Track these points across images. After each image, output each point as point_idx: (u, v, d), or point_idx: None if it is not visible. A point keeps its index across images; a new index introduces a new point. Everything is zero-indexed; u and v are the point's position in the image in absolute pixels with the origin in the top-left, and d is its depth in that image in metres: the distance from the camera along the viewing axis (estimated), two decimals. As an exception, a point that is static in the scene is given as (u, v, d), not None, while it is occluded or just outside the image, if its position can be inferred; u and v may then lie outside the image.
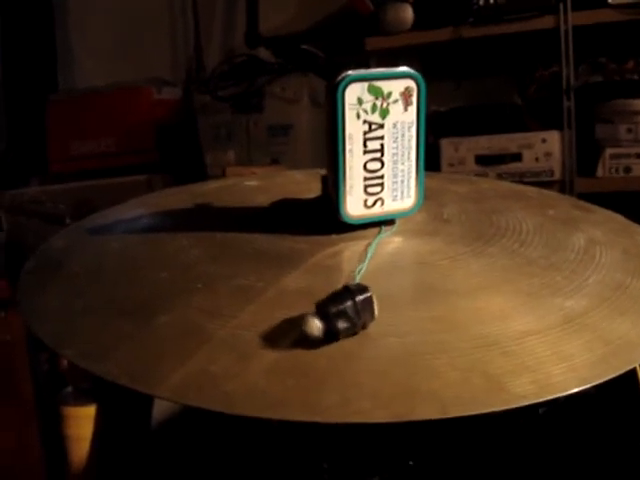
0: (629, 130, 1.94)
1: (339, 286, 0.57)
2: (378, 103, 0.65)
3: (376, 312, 0.55)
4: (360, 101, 0.65)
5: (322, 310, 0.54)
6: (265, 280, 0.62)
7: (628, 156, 1.96)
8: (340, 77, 0.64)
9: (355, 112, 0.65)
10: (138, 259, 0.70)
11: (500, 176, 2.05)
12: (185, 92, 2.81)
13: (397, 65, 0.67)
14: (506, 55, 2.26)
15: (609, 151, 1.97)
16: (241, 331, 0.56)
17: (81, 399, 1.43)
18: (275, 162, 2.37)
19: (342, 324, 0.54)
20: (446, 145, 2.12)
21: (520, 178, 2.03)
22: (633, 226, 0.80)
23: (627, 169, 1.96)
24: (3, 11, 2.98)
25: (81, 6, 3.16)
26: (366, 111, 0.65)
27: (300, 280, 0.62)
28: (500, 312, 0.58)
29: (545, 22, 2.01)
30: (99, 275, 0.68)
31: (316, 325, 0.53)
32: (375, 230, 0.69)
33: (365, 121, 0.65)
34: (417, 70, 0.66)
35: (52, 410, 1.47)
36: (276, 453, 0.90)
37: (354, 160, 0.66)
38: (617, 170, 1.96)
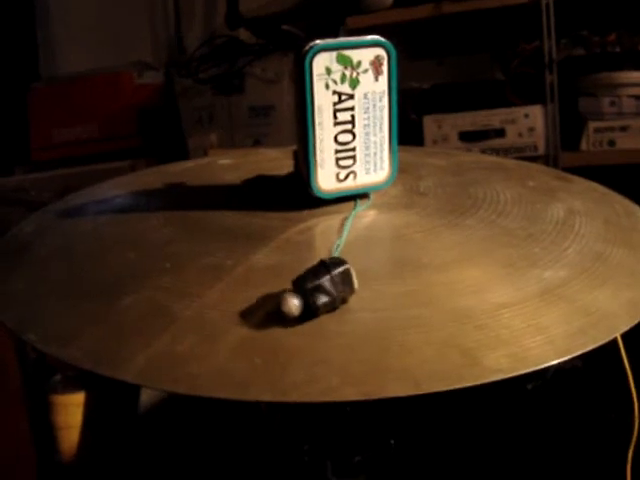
0: (612, 103, 1.93)
1: (311, 262, 0.55)
2: (347, 73, 0.64)
3: (355, 285, 0.54)
4: (329, 71, 0.63)
5: (299, 286, 0.52)
6: (234, 258, 0.60)
7: (612, 129, 1.94)
8: (307, 46, 0.62)
9: (324, 82, 0.63)
10: (107, 240, 0.68)
11: (484, 152, 2.03)
12: (166, 76, 2.78)
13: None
14: (487, 31, 2.24)
15: (593, 125, 1.95)
16: (208, 310, 0.54)
17: (69, 387, 1.42)
18: (257, 143, 2.35)
19: (321, 299, 0.52)
20: (429, 122, 2.10)
21: (504, 154, 2.02)
22: (614, 196, 0.78)
23: (611, 142, 1.94)
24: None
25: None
26: (335, 81, 0.63)
27: (270, 257, 0.60)
28: (476, 285, 0.57)
29: (526, -4, 1.99)
30: (66, 257, 0.66)
31: (294, 303, 0.51)
32: (347, 205, 0.67)
33: (335, 92, 0.64)
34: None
35: (41, 398, 1.46)
36: (258, 435, 0.88)
37: (324, 132, 0.65)
38: (601, 143, 1.95)
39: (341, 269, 0.53)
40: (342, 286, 0.53)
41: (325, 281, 0.53)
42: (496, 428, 0.98)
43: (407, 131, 2.18)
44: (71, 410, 1.42)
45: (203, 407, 1.00)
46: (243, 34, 2.43)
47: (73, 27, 3.09)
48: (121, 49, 2.91)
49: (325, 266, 0.54)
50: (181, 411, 1.09)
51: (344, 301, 0.54)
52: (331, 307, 0.53)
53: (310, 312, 0.52)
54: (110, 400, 1.06)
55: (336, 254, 0.59)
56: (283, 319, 0.52)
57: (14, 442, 1.54)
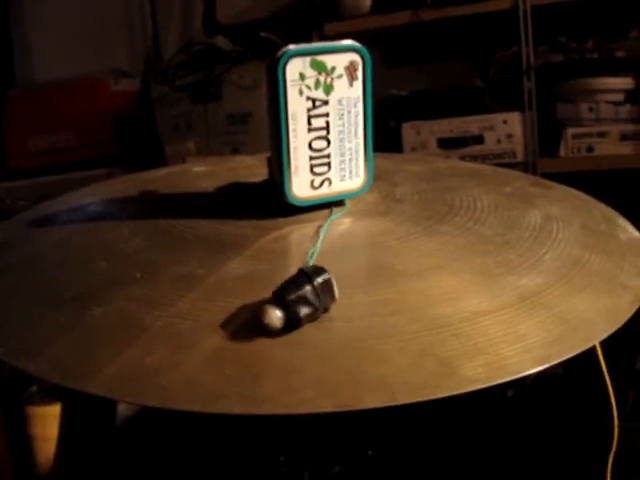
0: (590, 109, 1.93)
1: (285, 271, 0.54)
2: (322, 78, 0.63)
3: (336, 294, 0.53)
4: (302, 77, 0.62)
5: (280, 298, 0.51)
6: (207, 267, 0.59)
7: (590, 135, 1.94)
8: (280, 52, 0.61)
9: (297, 88, 0.62)
10: (77, 249, 0.67)
11: (463, 159, 2.03)
12: (143, 83, 2.77)
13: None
14: (466, 37, 2.25)
15: (571, 131, 1.95)
16: (179, 320, 0.53)
17: (46, 398, 1.41)
18: (236, 151, 2.34)
19: (303, 310, 0.51)
20: (408, 129, 2.10)
21: (483, 160, 2.02)
22: (592, 202, 0.78)
23: (589, 148, 1.94)
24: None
25: (36, -1, 3.11)
26: (309, 87, 0.63)
27: (243, 266, 0.59)
28: (452, 292, 0.56)
29: (503, 2, 1.98)
30: (36, 267, 0.65)
31: (276, 315, 0.50)
32: (322, 212, 0.66)
33: (308, 97, 0.63)
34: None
35: (17, 410, 1.44)
36: (234, 447, 0.87)
37: (298, 139, 0.64)
38: (579, 150, 1.95)
39: (322, 278, 0.52)
40: (323, 296, 0.52)
41: (307, 292, 0.51)
42: (476, 436, 0.97)
43: (386, 138, 2.18)
44: (48, 422, 1.40)
45: (180, 418, 0.99)
46: (220, 41, 2.42)
47: (49, 34, 3.07)
48: (97, 56, 2.89)
49: (306, 276, 0.52)
50: (158, 422, 1.08)
51: (326, 310, 0.53)
52: (313, 317, 0.52)
53: (292, 324, 0.51)
54: (87, 411, 1.05)
55: (311, 262, 0.58)
56: (257, 330, 0.51)
57: (-10, 453, 1.52)
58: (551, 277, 0.59)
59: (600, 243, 0.66)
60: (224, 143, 2.39)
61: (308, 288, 0.52)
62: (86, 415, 1.06)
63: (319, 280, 0.52)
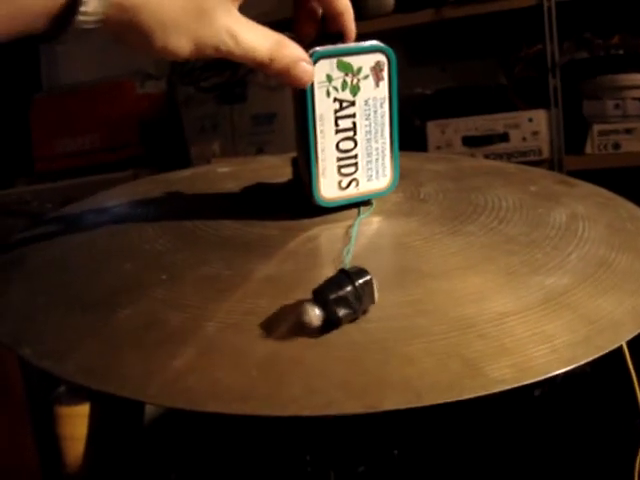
0: (617, 106, 1.92)
1: (313, 272, 0.54)
2: (348, 79, 0.63)
3: (376, 296, 0.52)
4: (329, 78, 0.62)
5: (320, 297, 0.51)
6: (232, 269, 0.59)
7: (617, 132, 1.93)
8: (307, 54, 0.61)
9: (325, 90, 0.62)
10: (103, 251, 0.67)
11: (488, 157, 2.03)
12: (168, 85, 2.78)
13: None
14: (490, 35, 2.24)
15: (597, 128, 1.94)
16: (206, 322, 0.53)
17: (74, 398, 1.42)
18: (261, 151, 2.35)
19: (342, 311, 0.51)
20: (432, 128, 2.09)
21: (508, 158, 2.01)
22: (618, 200, 0.77)
23: (616, 145, 1.93)
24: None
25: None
26: (336, 88, 0.63)
27: (270, 267, 0.59)
28: (477, 293, 0.56)
29: (528, -1, 1.98)
30: (62, 269, 0.65)
31: (315, 314, 0.50)
32: (347, 213, 0.66)
33: (336, 99, 0.63)
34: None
35: (45, 410, 1.45)
36: (260, 446, 0.88)
37: (326, 141, 0.64)
38: (606, 147, 1.94)
39: (364, 280, 0.52)
40: (364, 297, 0.52)
41: (348, 292, 0.51)
42: (502, 436, 0.97)
43: (410, 137, 2.17)
44: (76, 421, 1.41)
45: (206, 418, 0.99)
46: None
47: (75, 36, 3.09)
48: (123, 59, 2.90)
49: (347, 276, 0.52)
50: (185, 422, 1.08)
51: (364, 312, 0.52)
52: (352, 318, 0.52)
53: (330, 324, 0.51)
54: (115, 411, 1.05)
55: (346, 261, 0.58)
56: (284, 331, 0.51)
57: (19, 454, 1.53)
58: (577, 277, 0.58)
59: (626, 242, 0.65)
60: (249, 144, 2.40)
61: (349, 289, 0.51)
62: (114, 415, 1.06)
63: (360, 281, 0.52)
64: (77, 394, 1.38)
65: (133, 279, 0.60)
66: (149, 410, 1.10)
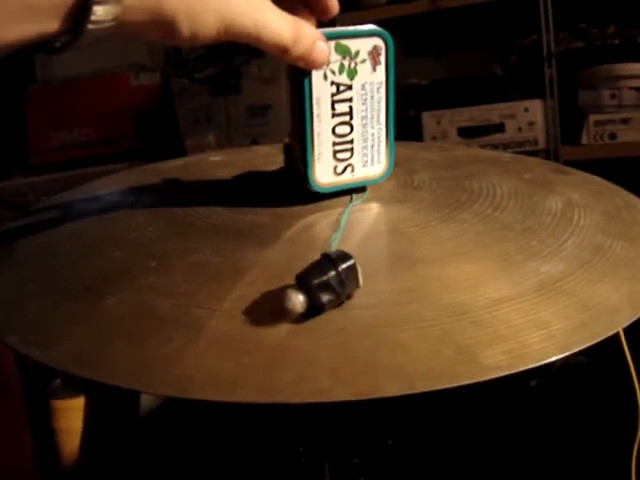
0: (612, 96, 1.91)
1: (304, 259, 0.53)
2: (346, 63, 0.62)
3: (361, 281, 0.52)
4: (327, 61, 0.61)
5: (303, 283, 0.50)
6: (223, 256, 0.58)
7: (613, 122, 1.92)
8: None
9: (322, 73, 0.61)
10: (92, 239, 0.67)
11: (484, 147, 2.02)
12: (163, 77, 2.77)
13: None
14: (485, 25, 2.23)
15: (593, 118, 1.94)
16: (195, 309, 0.52)
17: (70, 391, 1.41)
18: (255, 143, 2.34)
19: (326, 297, 0.50)
20: (428, 118, 2.09)
21: (504, 149, 2.00)
22: (612, 187, 0.77)
23: (612, 135, 1.92)
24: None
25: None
26: (334, 72, 0.62)
27: (260, 254, 0.59)
28: (472, 279, 0.55)
29: (523, -11, 1.97)
30: (51, 257, 0.65)
31: (298, 299, 0.49)
32: (340, 200, 0.66)
33: (333, 82, 0.62)
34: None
35: (41, 403, 1.45)
36: (254, 438, 0.87)
37: (322, 125, 0.63)
38: (602, 137, 1.93)
39: (347, 264, 0.51)
40: (348, 282, 0.51)
41: (331, 277, 0.50)
42: (498, 427, 0.96)
43: (406, 128, 2.16)
44: (72, 414, 1.41)
45: (201, 410, 0.99)
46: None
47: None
48: (117, 51, 2.89)
49: (330, 261, 0.51)
50: (181, 414, 1.08)
51: (349, 297, 0.52)
52: (336, 304, 0.51)
53: (314, 309, 0.50)
54: (110, 404, 1.05)
55: (333, 247, 0.57)
56: (274, 317, 0.50)
57: (15, 447, 1.53)
58: (573, 264, 0.58)
59: (622, 229, 0.65)
60: (244, 135, 2.39)
61: (332, 274, 0.50)
62: (110, 407, 1.06)
63: (344, 266, 0.51)
64: (72, 387, 1.38)
65: (123, 266, 0.60)
66: (144, 402, 1.10)
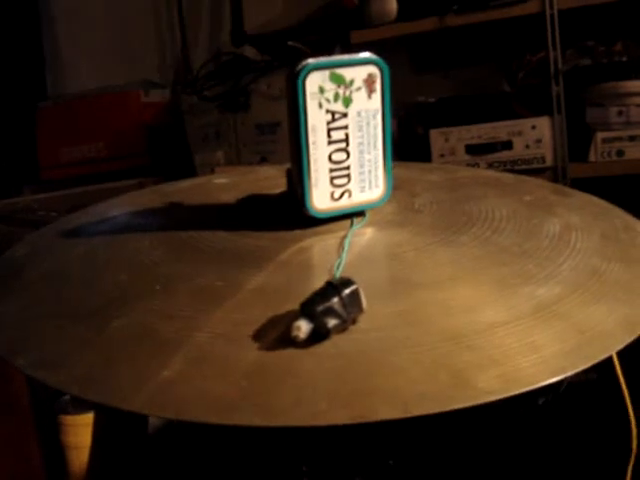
0: (620, 113, 1.92)
1: (303, 283, 0.54)
2: (340, 91, 0.63)
3: (364, 305, 0.53)
4: (322, 90, 0.62)
5: (308, 310, 0.51)
6: (225, 280, 0.60)
7: (620, 139, 1.93)
8: (300, 66, 0.62)
9: (317, 102, 0.63)
10: (99, 262, 0.68)
11: (491, 165, 2.03)
12: (173, 94, 2.79)
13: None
14: (493, 43, 2.24)
15: (600, 135, 1.94)
16: (196, 333, 0.53)
17: (79, 407, 1.42)
18: (264, 160, 2.35)
19: (331, 322, 0.51)
20: (436, 136, 2.10)
21: (512, 166, 2.01)
22: (614, 209, 0.77)
23: (620, 152, 1.93)
24: (-11, 20, 2.97)
25: (68, 11, 3.15)
26: (328, 100, 0.63)
27: (261, 278, 0.60)
28: (468, 303, 0.56)
29: (530, 7, 1.98)
30: (58, 280, 0.66)
31: (304, 328, 0.50)
32: (340, 224, 0.67)
33: (328, 110, 0.63)
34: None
35: (50, 419, 1.46)
36: (257, 457, 0.88)
37: (318, 152, 0.64)
38: (609, 154, 1.94)
39: (350, 289, 0.52)
40: (351, 307, 0.52)
41: (334, 303, 0.51)
42: (503, 446, 0.97)
43: (414, 145, 2.17)
44: (80, 430, 1.42)
45: (207, 429, 0.99)
46: (248, 51, 2.44)
47: (80, 46, 3.11)
48: (128, 67, 2.92)
49: (333, 287, 0.52)
50: (189, 431, 1.09)
51: (354, 322, 0.53)
52: (342, 329, 0.52)
53: (320, 335, 0.51)
54: (119, 420, 1.06)
55: (337, 274, 0.58)
56: (273, 342, 0.51)
57: (24, 462, 1.54)
58: (568, 287, 0.58)
59: (619, 252, 0.65)
60: (253, 153, 2.40)
61: (335, 300, 0.52)
62: (119, 423, 1.06)
63: (347, 291, 0.52)
64: (81, 403, 1.39)
65: (128, 290, 0.61)
66: (153, 419, 1.11)
